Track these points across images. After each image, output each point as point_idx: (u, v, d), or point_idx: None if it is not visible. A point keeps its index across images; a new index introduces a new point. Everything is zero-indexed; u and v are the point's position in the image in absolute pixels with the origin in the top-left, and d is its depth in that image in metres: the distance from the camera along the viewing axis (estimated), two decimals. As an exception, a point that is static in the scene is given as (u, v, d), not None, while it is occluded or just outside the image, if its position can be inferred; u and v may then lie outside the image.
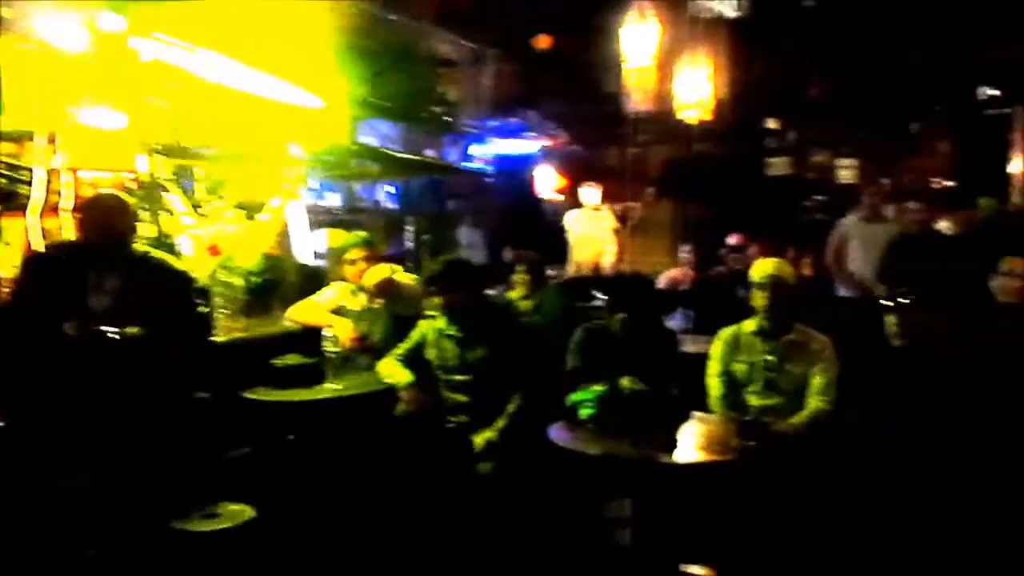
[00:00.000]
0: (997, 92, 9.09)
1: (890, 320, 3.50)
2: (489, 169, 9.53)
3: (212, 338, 4.32)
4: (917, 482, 3.25)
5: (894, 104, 11.50)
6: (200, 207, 5.03)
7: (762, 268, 3.93)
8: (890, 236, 6.59)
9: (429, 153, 8.95)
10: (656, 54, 8.46)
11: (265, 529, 3.35)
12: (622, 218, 9.65)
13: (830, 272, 7.04)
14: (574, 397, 3.57)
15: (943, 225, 8.30)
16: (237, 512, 3.37)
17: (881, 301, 3.68)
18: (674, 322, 6.74)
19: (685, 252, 7.31)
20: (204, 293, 4.30)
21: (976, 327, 3.71)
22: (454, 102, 8.91)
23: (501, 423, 3.79)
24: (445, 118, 8.45)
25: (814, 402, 3.76)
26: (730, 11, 7.44)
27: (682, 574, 3.36)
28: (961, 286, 4.41)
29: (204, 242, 4.91)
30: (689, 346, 4.69)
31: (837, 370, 3.80)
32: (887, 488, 3.28)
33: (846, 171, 11.83)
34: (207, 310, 4.32)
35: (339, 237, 5.33)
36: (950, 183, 10.92)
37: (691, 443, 3.31)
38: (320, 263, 6.40)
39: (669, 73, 9.98)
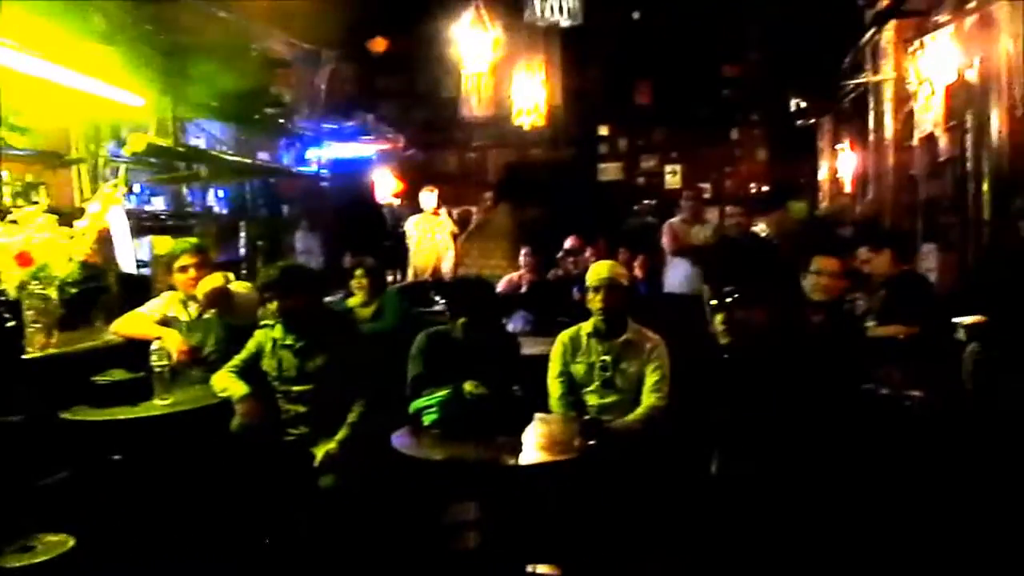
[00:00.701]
0: (804, 104, 9.79)
1: (716, 319, 3.70)
2: (325, 173, 9.33)
3: (23, 355, 3.98)
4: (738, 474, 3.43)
5: (715, 113, 12.19)
6: (7, 212, 4.63)
7: (596, 272, 4.05)
8: (708, 237, 7.00)
9: (263, 156, 8.66)
10: (492, 60, 8.55)
11: (87, 559, 3.12)
12: (460, 222, 9.70)
13: (660, 272, 7.38)
14: (417, 403, 3.54)
15: (760, 227, 8.88)
16: (55, 543, 3.13)
17: (706, 300, 3.87)
18: (513, 325, 6.85)
19: (523, 255, 7.42)
20: (12, 306, 3.96)
21: (791, 323, 3.98)
22: (288, 104, 8.66)
23: (342, 434, 3.71)
24: (279, 120, 8.19)
25: (648, 399, 3.92)
26: (564, 20, 7.63)
27: (528, 574, 3.41)
28: (777, 284, 4.72)
29: (12, 250, 4.52)
30: (528, 348, 4.75)
31: (669, 367, 3.97)
32: (716, 480, 3.45)
33: (673, 176, 12.41)
34: (14, 324, 3.97)
35: (166, 244, 5.04)
36: (766, 188, 11.67)
37: (534, 444, 3.37)
38: (145, 271, 6.05)
39: (505, 79, 10.14)
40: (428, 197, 8.90)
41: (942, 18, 5.81)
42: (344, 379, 3.82)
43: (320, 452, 3.68)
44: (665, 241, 7.18)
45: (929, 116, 6.29)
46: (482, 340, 3.79)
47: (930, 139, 6.31)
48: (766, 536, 3.35)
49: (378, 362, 3.99)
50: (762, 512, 3.28)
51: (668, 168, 12.56)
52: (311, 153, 9.23)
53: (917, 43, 6.39)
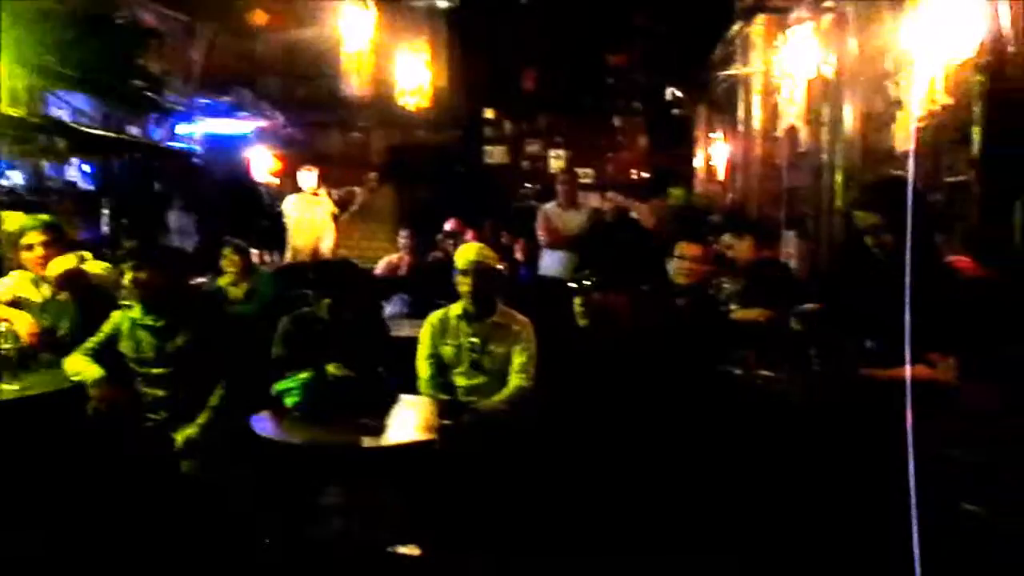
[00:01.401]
0: (681, 94, 10.08)
1: (575, 301, 3.79)
2: (199, 150, 9.02)
3: None
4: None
5: (599, 100, 12.43)
6: None
7: (464, 255, 4.08)
8: (583, 222, 7.14)
9: (132, 131, 8.30)
10: (373, 39, 8.45)
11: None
12: (342, 203, 9.57)
13: (538, 255, 7.48)
14: (278, 386, 3.49)
15: (639, 213, 9.12)
16: None
17: (568, 284, 3.96)
18: (392, 307, 6.82)
19: (403, 238, 7.39)
20: None
21: (653, 307, 4.12)
22: (159, 77, 8.32)
23: (203, 418, 3.62)
24: (148, 93, 7.86)
25: (514, 380, 3.99)
26: (441, 1, 7.61)
27: (391, 555, 3.42)
28: (645, 268, 4.87)
29: None
30: (406, 330, 4.76)
31: (535, 349, 4.05)
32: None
33: (557, 160, 12.59)
34: None
35: (15, 220, 4.77)
36: (647, 174, 11.98)
37: (398, 425, 3.38)
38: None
39: (388, 59, 10.05)
40: (307, 176, 8.72)
41: (802, 14, 6.09)
42: (206, 361, 3.72)
43: (180, 437, 3.58)
44: (539, 229, 7.27)
45: (792, 109, 6.59)
46: (347, 321, 3.76)
47: (792, 131, 6.61)
48: (625, 513, 3.46)
49: (243, 345, 3.91)
50: (616, 487, 3.39)
51: (552, 153, 12.74)
52: (184, 129, 8.91)
53: (781, 38, 6.68)
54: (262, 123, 9.92)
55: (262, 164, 10.15)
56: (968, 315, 2.40)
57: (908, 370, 2.06)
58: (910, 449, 1.77)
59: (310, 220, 8.64)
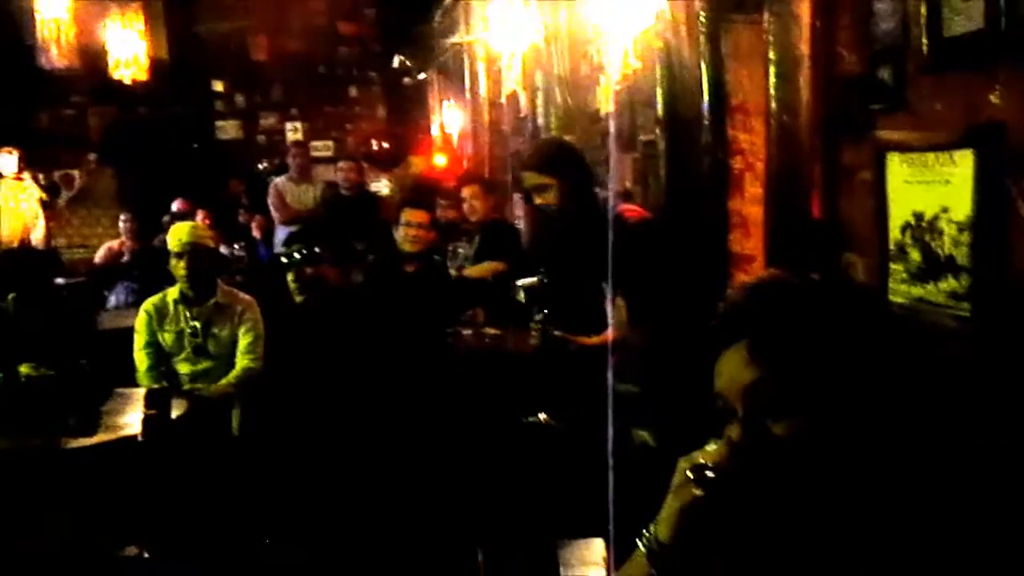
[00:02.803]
0: (409, 62, 10.11)
1: (289, 277, 3.74)
2: None
3: None
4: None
5: (333, 70, 12.18)
6: None
7: (177, 235, 3.89)
8: (316, 195, 7.04)
9: None
10: (72, 7, 7.73)
11: None
12: (54, 187, 8.74)
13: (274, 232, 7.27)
14: (-38, 394, 3.15)
15: (383, 183, 9.10)
16: None
17: (280, 259, 3.90)
18: (116, 297, 6.38)
19: (123, 222, 6.89)
20: None
21: (378, 277, 4.15)
22: None
23: None
24: None
25: (242, 361, 3.89)
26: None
27: (117, 559, 3.22)
28: (374, 239, 4.88)
29: None
30: (132, 320, 4.46)
31: (262, 328, 3.95)
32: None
33: (294, 133, 12.22)
34: None
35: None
36: (386, 144, 11.94)
37: (111, 421, 3.17)
38: None
39: (96, 27, 9.25)
40: (7, 160, 7.87)
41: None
42: None
43: None
44: (272, 205, 7.07)
45: (512, 75, 6.82)
46: (38, 315, 3.46)
47: (513, 97, 6.85)
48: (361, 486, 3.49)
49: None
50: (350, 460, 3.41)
51: (289, 126, 12.33)
52: None
53: (497, 5, 6.86)
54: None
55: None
56: (633, 259, 2.61)
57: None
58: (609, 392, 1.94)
59: (14, 209, 7.82)
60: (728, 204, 3.62)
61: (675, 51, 3.62)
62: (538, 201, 3.10)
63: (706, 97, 3.51)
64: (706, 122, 3.51)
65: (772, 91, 2.83)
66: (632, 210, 3.22)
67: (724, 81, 3.56)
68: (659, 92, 3.86)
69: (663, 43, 3.82)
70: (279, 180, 7.27)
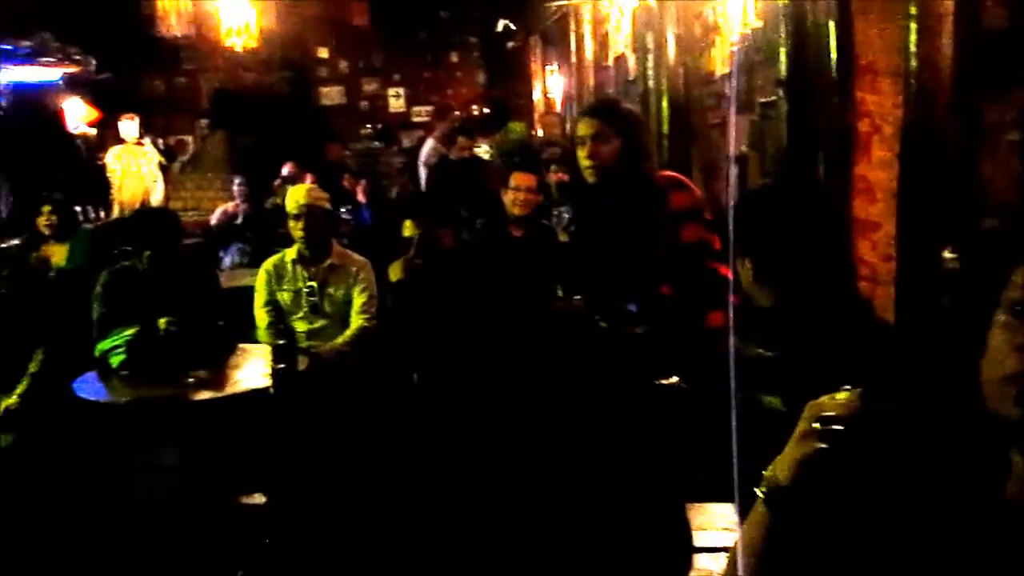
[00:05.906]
0: (512, 26, 10.04)
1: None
2: (1, 101, 8.27)
3: None
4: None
5: (434, 35, 12.21)
6: None
7: (294, 197, 3.98)
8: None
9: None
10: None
11: None
12: (170, 152, 9.06)
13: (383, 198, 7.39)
14: (102, 345, 3.32)
15: (483, 148, 9.12)
16: None
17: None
18: (229, 257, 6.60)
19: (237, 185, 7.11)
20: None
21: (487, 241, 4.17)
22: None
23: (22, 387, 3.41)
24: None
25: (357, 320, 3.98)
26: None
27: (236, 506, 3.36)
28: (481, 203, 4.90)
29: None
30: (247, 280, 4.63)
31: (375, 289, 4.04)
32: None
33: (396, 99, 12.35)
34: None
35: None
36: (487, 110, 11.94)
37: (236, 375, 3.30)
38: None
39: (208, -2, 9.49)
40: (129, 126, 8.20)
41: (625, -57, 6.17)
42: (20, 327, 3.50)
43: (-1, 408, 3.37)
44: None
45: (620, 37, 6.70)
46: (172, 272, 3.59)
47: (621, 59, 6.74)
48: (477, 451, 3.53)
49: (62, 306, 3.69)
50: (469, 421, 3.45)
51: (391, 91, 12.47)
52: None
53: (606, -33, 6.75)
54: (71, 68, 9.15)
55: (76, 114, 9.39)
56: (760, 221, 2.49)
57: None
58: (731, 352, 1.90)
59: (136, 173, 8.16)
60: (853, 169, 3.48)
61: (803, 9, 3.47)
62: (582, 156, 2.89)
63: (833, 57, 3.37)
64: (833, 83, 3.38)
65: (912, 48, 2.70)
66: (667, 177, 3.02)
67: (853, 40, 3.42)
68: (783, 51, 3.72)
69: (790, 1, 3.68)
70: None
